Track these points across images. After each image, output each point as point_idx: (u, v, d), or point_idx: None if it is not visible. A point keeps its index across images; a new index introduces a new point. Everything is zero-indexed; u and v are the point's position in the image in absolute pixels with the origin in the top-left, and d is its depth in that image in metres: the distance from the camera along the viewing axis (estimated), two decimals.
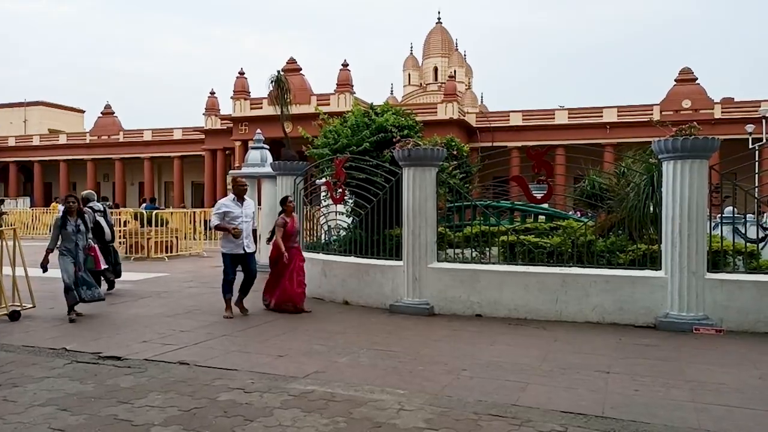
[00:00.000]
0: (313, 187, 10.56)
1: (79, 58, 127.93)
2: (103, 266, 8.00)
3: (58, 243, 7.33)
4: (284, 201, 7.99)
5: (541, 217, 11.13)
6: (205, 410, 4.06)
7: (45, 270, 7.28)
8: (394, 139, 8.79)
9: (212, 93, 33.16)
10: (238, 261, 7.46)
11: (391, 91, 49.89)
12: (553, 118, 30.37)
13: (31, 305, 7.56)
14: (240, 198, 7.51)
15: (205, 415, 3.97)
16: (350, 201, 9.46)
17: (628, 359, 5.38)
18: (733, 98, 30.18)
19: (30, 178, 41.50)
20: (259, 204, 13.40)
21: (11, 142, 40.90)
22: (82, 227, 7.43)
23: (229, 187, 11.48)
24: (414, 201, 7.64)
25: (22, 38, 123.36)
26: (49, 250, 7.26)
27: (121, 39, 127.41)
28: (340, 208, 9.60)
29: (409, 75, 47.61)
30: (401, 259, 7.78)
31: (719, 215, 9.48)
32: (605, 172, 10.17)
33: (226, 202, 7.50)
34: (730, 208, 9.86)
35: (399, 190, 7.91)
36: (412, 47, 49.95)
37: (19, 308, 7.34)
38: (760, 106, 26.33)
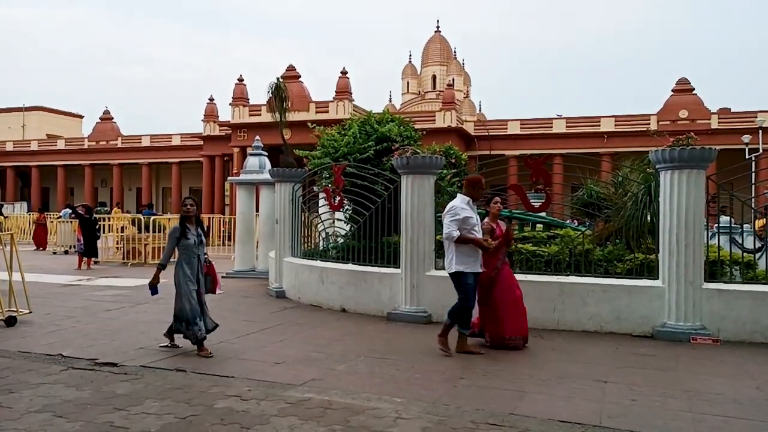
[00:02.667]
0: (311, 194, 10.57)
1: (78, 63, 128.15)
2: (219, 291, 6.51)
3: (173, 257, 6.06)
4: (489, 201, 6.28)
5: (539, 226, 11.13)
6: (201, 418, 4.04)
7: (155, 292, 6.03)
8: (393, 148, 8.82)
9: (211, 99, 33.19)
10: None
11: (390, 98, 50.01)
12: (551, 127, 30.44)
13: (28, 311, 7.52)
14: (475, 201, 6.07)
15: (202, 422, 3.96)
16: (348, 208, 9.47)
17: (626, 369, 5.38)
18: (729, 109, 30.28)
19: (27, 183, 41.41)
20: (257, 211, 13.42)
21: (9, 147, 40.81)
22: (202, 237, 6.07)
23: (456, 187, 9.58)
24: (412, 209, 7.65)
25: (19, 44, 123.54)
26: (161, 268, 5.97)
27: (119, 45, 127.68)
28: (338, 215, 9.61)
29: (408, 83, 47.74)
30: (399, 267, 7.78)
31: (716, 225, 9.51)
32: (603, 182, 10.20)
33: (463, 205, 5.87)
34: (727, 218, 9.90)
35: (397, 198, 7.92)
36: (410, 55, 50.30)
37: (15, 314, 7.31)
38: (756, 117, 26.44)
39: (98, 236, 14.97)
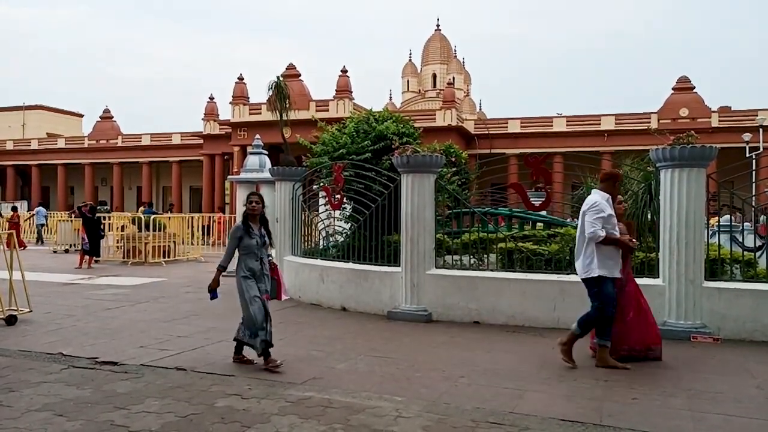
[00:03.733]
0: (311, 193, 10.57)
1: (78, 62, 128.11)
2: (285, 297, 5.94)
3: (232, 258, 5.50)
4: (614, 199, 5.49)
5: (539, 225, 11.13)
6: (202, 416, 4.04)
7: (215, 296, 5.48)
8: (393, 146, 8.82)
9: (211, 98, 33.19)
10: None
11: (390, 97, 50.01)
12: (552, 126, 30.43)
13: (28, 309, 7.53)
14: (614, 197, 5.51)
15: (202, 421, 3.96)
16: (348, 207, 9.47)
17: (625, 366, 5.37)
18: (730, 107, 30.28)
19: (27, 182, 41.42)
20: None
21: (9, 146, 40.83)
22: (266, 238, 5.54)
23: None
24: (412, 207, 7.64)
25: (19, 42, 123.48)
26: (222, 269, 5.42)
27: (120, 44, 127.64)
28: (339, 213, 9.61)
29: (408, 81, 47.73)
30: (399, 266, 7.78)
31: (717, 224, 9.50)
32: None
33: (604, 202, 5.28)
34: (728, 216, 9.89)
35: (397, 197, 7.92)
36: (411, 54, 50.23)
37: (15, 312, 7.31)
38: (757, 115, 26.43)
39: (102, 235, 14.95)
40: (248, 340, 5.32)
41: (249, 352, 5.44)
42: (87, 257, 14.26)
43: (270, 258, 5.63)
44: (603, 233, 5.13)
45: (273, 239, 5.83)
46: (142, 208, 23.59)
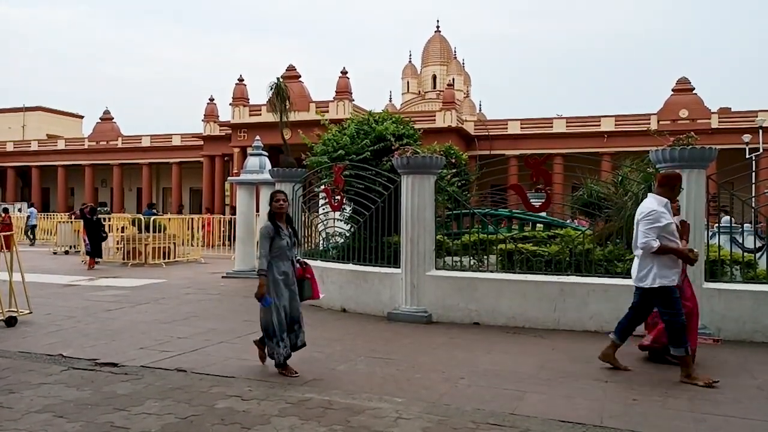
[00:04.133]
0: (311, 194, 10.57)
1: (78, 63, 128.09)
2: (322, 295, 5.73)
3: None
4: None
5: (539, 226, 11.14)
6: (202, 418, 4.04)
7: (266, 303, 5.08)
8: (393, 147, 8.82)
9: (211, 99, 33.19)
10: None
11: (390, 98, 49.99)
12: (551, 127, 30.41)
13: (28, 311, 7.52)
14: (673, 201, 5.30)
15: (202, 422, 3.96)
16: (348, 208, 9.47)
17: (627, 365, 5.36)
18: (730, 108, 30.26)
19: (28, 183, 41.43)
20: (257, 211, 13.42)
21: (9, 147, 40.81)
22: (294, 238, 5.33)
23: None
24: (412, 208, 7.65)
25: (19, 44, 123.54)
26: (263, 275, 5.06)
27: (119, 45, 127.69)
28: (338, 215, 9.61)
29: (408, 83, 47.72)
30: (399, 267, 7.78)
31: (716, 224, 9.51)
32: (603, 181, 10.20)
33: (662, 209, 4.97)
34: (728, 217, 9.90)
35: (397, 198, 7.92)
36: (410, 55, 50.28)
37: (15, 314, 7.31)
38: (756, 116, 26.41)
39: (104, 236, 14.85)
40: (258, 341, 5.34)
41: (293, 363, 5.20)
42: (89, 258, 14.31)
43: (298, 257, 5.42)
44: (656, 244, 4.88)
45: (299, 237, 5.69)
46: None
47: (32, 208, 26.38)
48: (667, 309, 4.99)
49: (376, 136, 9.72)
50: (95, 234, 14.47)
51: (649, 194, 5.24)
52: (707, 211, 7.10)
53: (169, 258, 15.72)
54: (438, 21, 54.08)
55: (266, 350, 5.24)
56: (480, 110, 45.30)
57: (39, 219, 25.82)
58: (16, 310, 7.41)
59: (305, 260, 5.52)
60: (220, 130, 32.06)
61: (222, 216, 21.36)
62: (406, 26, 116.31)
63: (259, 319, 5.24)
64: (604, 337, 6.60)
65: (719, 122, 27.95)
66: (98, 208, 23.12)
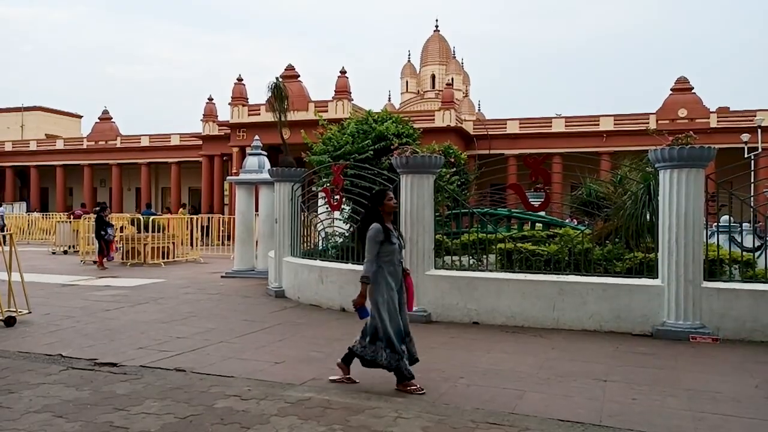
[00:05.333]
0: (310, 194, 10.57)
1: (76, 63, 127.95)
2: (415, 307, 5.03)
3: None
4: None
5: (539, 225, 11.15)
6: (201, 417, 4.04)
7: (365, 314, 4.66)
8: (392, 146, 8.82)
9: (210, 99, 33.17)
10: None
11: (389, 98, 49.97)
12: (550, 126, 30.43)
13: (27, 311, 7.52)
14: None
15: (202, 422, 3.96)
16: (347, 208, 9.47)
17: (626, 367, 5.38)
18: (728, 107, 30.26)
19: (26, 183, 41.38)
20: (257, 211, 13.42)
21: (8, 147, 40.75)
22: (402, 241, 4.90)
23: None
24: (412, 208, 7.65)
25: (18, 43, 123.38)
26: (367, 282, 4.63)
27: (118, 45, 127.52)
28: (338, 214, 9.61)
29: (407, 82, 47.68)
30: None
31: (715, 224, 9.52)
32: (602, 181, 10.21)
33: None
34: (726, 216, 9.90)
35: (396, 197, 7.90)
36: (409, 55, 50.18)
37: (14, 314, 7.30)
38: (755, 116, 26.44)
39: (104, 236, 14.40)
40: (370, 356, 4.65)
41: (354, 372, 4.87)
42: (99, 257, 14.39)
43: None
44: None
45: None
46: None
47: (2, 207, 26.31)
48: None
49: (377, 135, 9.73)
50: (98, 233, 14.50)
51: None
52: (706, 210, 7.11)
53: (168, 258, 15.71)
54: (437, 20, 53.93)
55: (355, 359, 4.74)
56: (479, 110, 45.26)
57: (37, 219, 25.80)
58: (15, 309, 7.41)
59: (408, 268, 4.99)
60: (219, 129, 32.04)
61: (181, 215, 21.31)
62: (405, 26, 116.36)
63: (367, 325, 4.72)
64: (603, 336, 6.63)
65: (718, 122, 27.98)
66: (95, 208, 23.06)
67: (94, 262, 14.77)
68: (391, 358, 4.59)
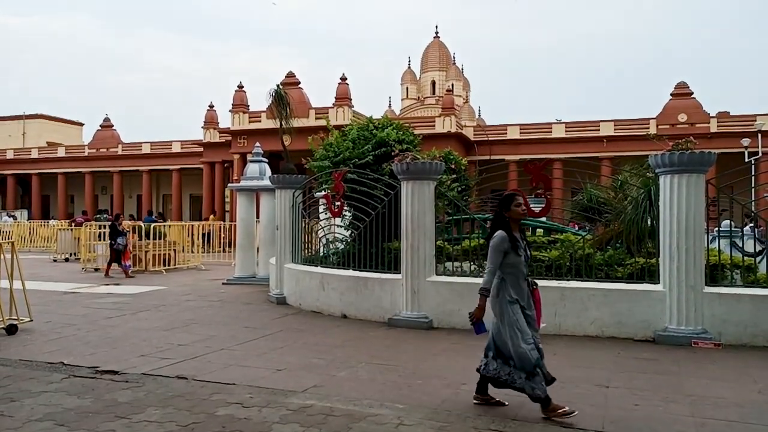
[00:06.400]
0: (311, 201, 10.59)
1: (78, 71, 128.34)
2: (543, 324, 4.52)
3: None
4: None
5: (539, 231, 11.14)
6: (203, 425, 4.04)
7: (482, 329, 4.30)
8: (393, 153, 8.84)
9: (211, 106, 33.28)
10: None
11: (389, 104, 50.08)
12: (551, 132, 30.49)
13: (29, 319, 7.52)
14: None
15: (204, 430, 3.96)
16: (348, 214, 9.48)
17: (628, 373, 5.37)
18: (728, 112, 30.29)
19: (28, 190, 41.46)
20: (258, 217, 13.43)
21: (9, 155, 40.88)
22: (529, 251, 4.50)
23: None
24: (413, 214, 7.66)
25: (19, 52, 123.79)
26: (486, 294, 4.25)
27: (119, 53, 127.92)
28: (339, 221, 9.62)
29: (407, 88, 47.82)
30: (400, 273, 7.78)
31: (716, 229, 9.52)
32: (603, 186, 10.22)
33: None
34: (728, 221, 9.90)
35: (397, 204, 7.93)
36: (410, 61, 50.24)
37: (16, 322, 7.31)
38: (755, 120, 26.47)
39: (113, 245, 14.06)
40: (519, 379, 4.15)
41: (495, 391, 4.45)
42: (118, 266, 14.14)
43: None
44: None
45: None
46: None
47: (8, 216, 26.32)
48: None
49: (378, 141, 9.75)
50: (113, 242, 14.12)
51: None
52: (707, 215, 7.11)
53: (169, 265, 15.71)
54: (437, 27, 54.05)
55: (489, 383, 4.34)
56: (479, 116, 45.33)
57: (39, 226, 25.83)
58: (16, 317, 7.41)
59: (535, 281, 4.55)
60: (220, 136, 32.13)
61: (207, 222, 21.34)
62: (405, 32, 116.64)
63: (504, 350, 4.23)
64: (605, 342, 6.62)
65: (718, 126, 28.01)
66: (97, 215, 23.04)
67: (96, 270, 14.75)
68: (531, 383, 4.09)
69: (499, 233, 4.28)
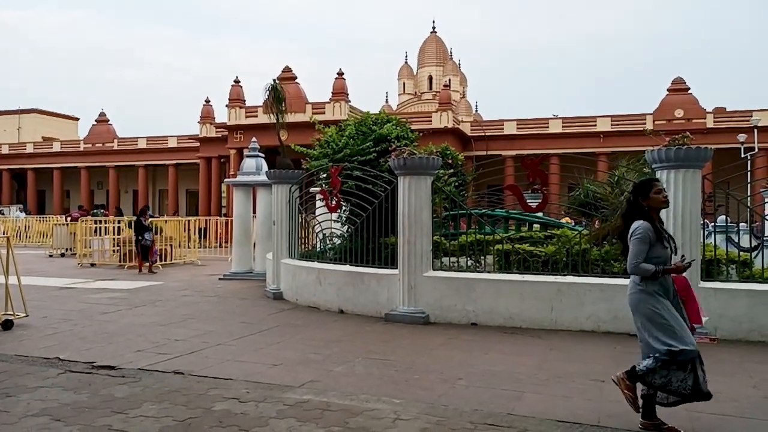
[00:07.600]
0: (308, 196, 10.57)
1: (73, 66, 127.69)
2: (705, 317, 4.24)
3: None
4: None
5: (536, 226, 11.16)
6: (200, 420, 4.04)
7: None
8: (390, 149, 8.83)
9: (207, 101, 33.15)
10: None
11: (386, 99, 49.98)
12: (548, 127, 30.49)
13: (24, 314, 7.50)
14: None
15: (200, 425, 3.95)
16: (345, 209, 9.46)
17: (624, 368, 5.36)
18: (725, 108, 30.36)
19: (23, 185, 41.30)
20: (254, 213, 13.41)
21: (5, 150, 40.69)
22: (674, 243, 4.03)
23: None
24: (409, 210, 7.65)
25: (14, 46, 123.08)
26: (658, 274, 3.81)
27: (115, 48, 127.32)
28: (336, 216, 9.61)
29: (404, 84, 47.73)
30: (397, 268, 7.78)
31: (712, 224, 9.54)
32: (599, 181, 10.23)
33: None
34: (723, 217, 9.93)
35: (394, 199, 7.92)
36: (407, 56, 50.13)
37: (12, 317, 7.28)
38: (751, 116, 26.53)
39: (140, 241, 13.90)
40: (627, 378, 3.90)
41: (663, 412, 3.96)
42: (144, 263, 14.05)
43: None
44: None
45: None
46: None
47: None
48: None
49: (377, 137, 9.73)
50: (138, 239, 14.03)
51: None
52: (703, 210, 7.13)
53: (165, 260, 15.68)
54: (434, 22, 53.80)
55: (654, 400, 3.90)
56: (476, 111, 45.32)
57: (35, 221, 25.74)
58: (12, 313, 7.38)
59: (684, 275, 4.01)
60: (216, 131, 32.04)
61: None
62: (402, 27, 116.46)
63: (654, 357, 3.94)
64: (601, 337, 6.64)
65: (714, 122, 28.05)
66: (95, 210, 22.91)
67: (90, 265, 14.70)
68: (685, 384, 3.79)
69: (643, 223, 3.79)
